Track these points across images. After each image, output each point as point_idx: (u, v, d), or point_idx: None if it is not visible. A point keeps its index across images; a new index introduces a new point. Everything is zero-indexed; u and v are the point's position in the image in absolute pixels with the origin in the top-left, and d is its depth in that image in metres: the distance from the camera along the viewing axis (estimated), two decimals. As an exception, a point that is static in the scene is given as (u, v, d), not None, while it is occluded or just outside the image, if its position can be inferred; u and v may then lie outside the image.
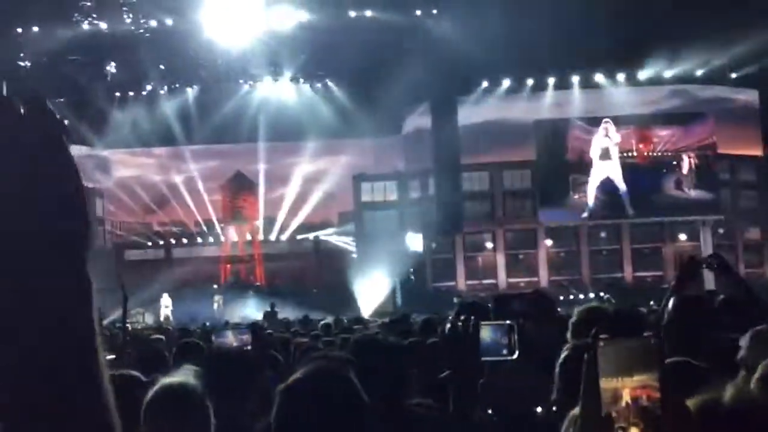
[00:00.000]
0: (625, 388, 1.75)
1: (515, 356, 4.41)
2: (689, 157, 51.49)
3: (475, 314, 4.84)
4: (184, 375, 3.73)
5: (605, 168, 51.48)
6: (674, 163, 51.65)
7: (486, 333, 4.40)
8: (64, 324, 1.13)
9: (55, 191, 1.14)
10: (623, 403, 1.73)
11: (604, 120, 51.42)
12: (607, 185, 51.43)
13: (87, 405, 1.13)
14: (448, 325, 4.63)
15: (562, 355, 4.81)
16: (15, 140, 1.14)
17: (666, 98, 53.45)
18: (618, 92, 53.03)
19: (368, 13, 49.18)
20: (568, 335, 5.66)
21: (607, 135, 51.32)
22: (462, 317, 4.51)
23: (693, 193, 51.49)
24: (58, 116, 1.22)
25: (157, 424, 3.59)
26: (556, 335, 5.92)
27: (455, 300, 34.24)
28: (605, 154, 51.41)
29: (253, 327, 9.23)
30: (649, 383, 1.75)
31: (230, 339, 6.62)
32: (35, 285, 1.11)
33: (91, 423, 1.13)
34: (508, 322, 4.60)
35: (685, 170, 51.56)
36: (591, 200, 51.43)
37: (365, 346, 4.93)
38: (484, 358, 4.43)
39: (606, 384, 1.76)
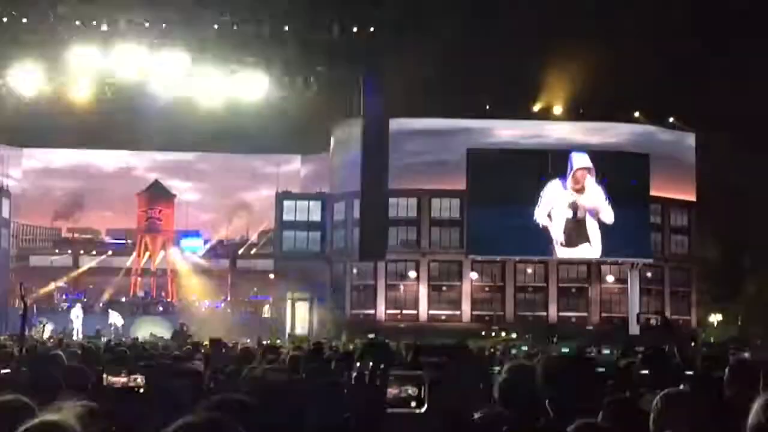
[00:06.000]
0: None
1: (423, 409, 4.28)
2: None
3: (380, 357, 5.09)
4: (67, 412, 3.46)
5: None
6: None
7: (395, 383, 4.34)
8: None
9: None
10: None
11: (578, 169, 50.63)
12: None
13: None
14: (354, 374, 4.99)
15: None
16: None
17: (606, 134, 52.01)
18: (557, 126, 51.79)
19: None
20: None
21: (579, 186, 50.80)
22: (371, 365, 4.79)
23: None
24: None
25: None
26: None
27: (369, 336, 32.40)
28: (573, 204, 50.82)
29: (148, 366, 8.28)
30: None
31: (122, 378, 6.29)
32: None
33: None
34: (419, 372, 4.53)
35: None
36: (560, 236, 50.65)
37: (264, 387, 5.35)
38: (390, 410, 4.31)
39: None
